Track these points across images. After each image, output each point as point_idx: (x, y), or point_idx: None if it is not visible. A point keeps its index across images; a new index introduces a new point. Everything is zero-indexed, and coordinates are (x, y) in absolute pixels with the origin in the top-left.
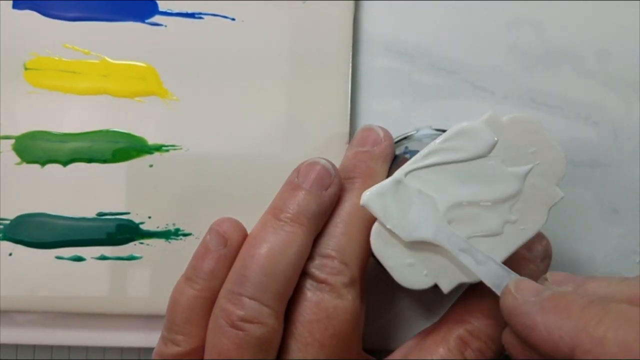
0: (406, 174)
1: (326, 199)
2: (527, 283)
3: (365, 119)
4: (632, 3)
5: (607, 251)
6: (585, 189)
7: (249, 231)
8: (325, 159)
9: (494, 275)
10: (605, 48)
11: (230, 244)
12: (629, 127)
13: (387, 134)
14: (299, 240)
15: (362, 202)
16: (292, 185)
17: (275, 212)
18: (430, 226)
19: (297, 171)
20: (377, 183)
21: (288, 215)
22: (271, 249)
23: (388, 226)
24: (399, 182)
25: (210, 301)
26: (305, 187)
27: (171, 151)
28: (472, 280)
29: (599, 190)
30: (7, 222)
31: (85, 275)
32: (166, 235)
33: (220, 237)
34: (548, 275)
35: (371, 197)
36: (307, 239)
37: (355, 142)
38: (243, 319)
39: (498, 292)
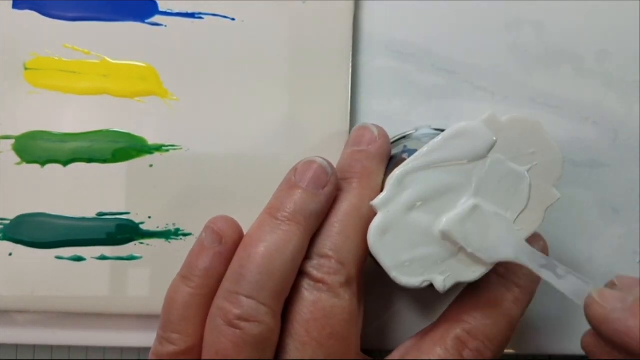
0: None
1: (323, 198)
2: (610, 292)
3: (365, 119)
4: (632, 3)
5: (607, 251)
6: (585, 189)
7: (246, 230)
8: (323, 158)
9: (574, 287)
10: (605, 48)
11: (226, 242)
12: (629, 127)
13: (381, 131)
14: (295, 239)
15: (442, 228)
16: (289, 184)
17: (272, 211)
18: (510, 247)
19: (294, 170)
20: (373, 182)
21: (285, 214)
22: (268, 247)
23: (469, 250)
24: (476, 206)
25: (206, 299)
26: (302, 185)
27: (171, 151)
28: (469, 280)
29: (599, 190)
30: (7, 222)
31: (85, 275)
32: (166, 235)
33: (215, 234)
34: (616, 280)
35: (451, 223)
36: (304, 237)
37: (351, 141)
38: (240, 318)
39: (579, 302)
